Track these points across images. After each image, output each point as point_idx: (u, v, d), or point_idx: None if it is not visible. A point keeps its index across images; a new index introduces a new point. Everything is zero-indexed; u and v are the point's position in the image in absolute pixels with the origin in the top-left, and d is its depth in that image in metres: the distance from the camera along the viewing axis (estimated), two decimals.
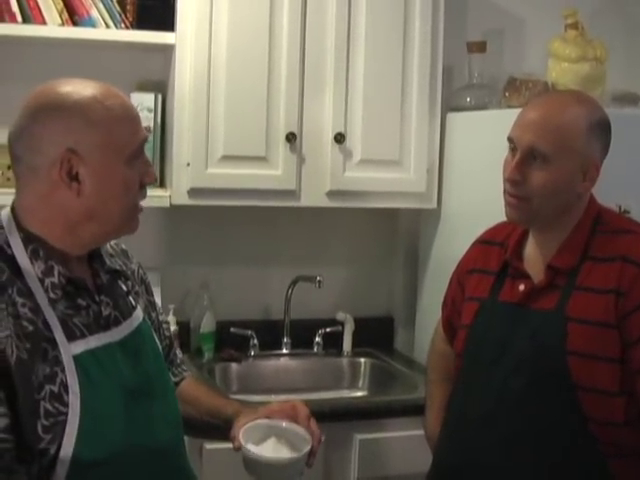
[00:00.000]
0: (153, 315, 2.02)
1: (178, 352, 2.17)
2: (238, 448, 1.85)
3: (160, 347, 1.95)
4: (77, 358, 1.65)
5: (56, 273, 1.68)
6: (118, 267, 1.89)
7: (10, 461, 1.54)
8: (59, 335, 1.64)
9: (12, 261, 1.66)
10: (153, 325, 1.98)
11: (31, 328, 1.61)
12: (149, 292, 2.05)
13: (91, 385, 1.65)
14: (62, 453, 1.58)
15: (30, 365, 1.58)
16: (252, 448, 1.84)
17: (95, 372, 1.67)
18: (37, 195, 1.68)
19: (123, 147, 1.69)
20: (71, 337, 1.66)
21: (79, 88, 1.69)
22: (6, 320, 1.58)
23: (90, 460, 1.61)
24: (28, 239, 1.68)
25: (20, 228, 1.69)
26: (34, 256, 1.67)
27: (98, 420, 1.64)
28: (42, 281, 1.66)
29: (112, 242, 1.95)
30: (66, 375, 1.62)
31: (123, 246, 2.02)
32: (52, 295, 1.66)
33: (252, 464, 1.84)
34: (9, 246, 1.67)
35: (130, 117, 1.73)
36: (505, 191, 2.12)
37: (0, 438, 1.53)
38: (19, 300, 1.62)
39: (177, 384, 2.07)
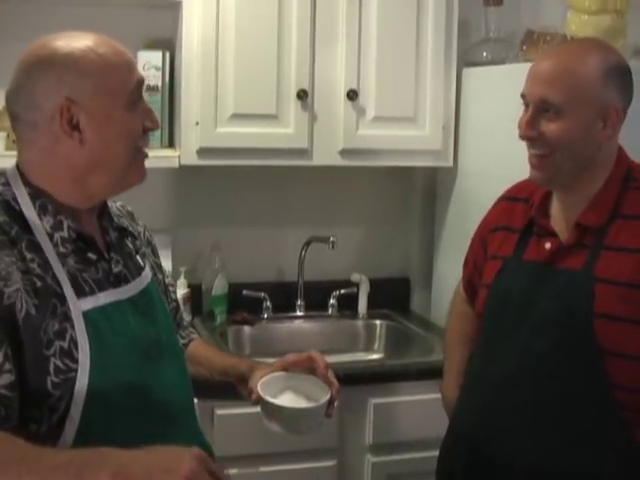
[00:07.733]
0: (160, 277, 2.02)
1: (185, 315, 2.18)
2: (257, 400, 1.85)
3: (168, 308, 1.95)
4: (86, 314, 1.63)
5: (65, 227, 1.67)
6: (126, 226, 1.89)
7: (6, 415, 1.50)
8: (68, 291, 1.62)
9: (20, 216, 1.65)
10: (160, 287, 1.97)
11: (40, 284, 1.59)
12: (155, 254, 2.04)
13: (101, 342, 1.62)
14: (72, 410, 1.56)
15: (39, 321, 1.56)
16: (270, 400, 1.83)
17: (105, 329, 1.65)
18: (41, 151, 1.67)
19: (120, 92, 1.68)
20: (80, 293, 1.64)
21: (71, 40, 1.68)
22: (16, 274, 1.56)
23: (100, 419, 1.59)
24: (35, 194, 1.68)
25: (26, 184, 1.68)
26: (42, 211, 1.67)
27: (108, 378, 1.61)
28: (51, 236, 1.65)
29: (118, 204, 1.95)
30: (75, 331, 1.59)
31: (129, 208, 2.01)
32: (62, 249, 1.65)
33: (272, 415, 1.83)
34: (16, 202, 1.66)
35: (123, 62, 1.71)
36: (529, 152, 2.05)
37: (2, 394, 1.49)
38: (28, 255, 1.61)
39: (185, 346, 2.07)
